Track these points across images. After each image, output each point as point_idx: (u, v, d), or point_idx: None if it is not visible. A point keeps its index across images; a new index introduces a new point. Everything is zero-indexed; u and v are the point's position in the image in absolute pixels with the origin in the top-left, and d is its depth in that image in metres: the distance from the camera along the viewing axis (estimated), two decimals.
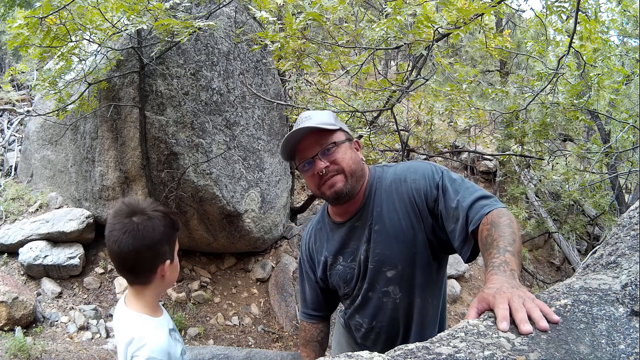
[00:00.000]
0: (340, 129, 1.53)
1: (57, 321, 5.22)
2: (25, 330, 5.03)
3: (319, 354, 1.83)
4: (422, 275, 1.53)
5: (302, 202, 6.02)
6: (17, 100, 9.06)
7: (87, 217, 5.80)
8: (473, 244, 1.34)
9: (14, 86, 9.92)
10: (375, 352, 0.80)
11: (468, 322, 0.86)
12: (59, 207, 6.21)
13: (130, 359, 1.36)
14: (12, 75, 7.77)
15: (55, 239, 5.67)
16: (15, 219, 6.16)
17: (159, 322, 1.47)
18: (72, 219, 5.69)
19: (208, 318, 5.23)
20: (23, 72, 8.15)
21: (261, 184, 5.61)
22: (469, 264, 7.74)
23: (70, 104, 4.96)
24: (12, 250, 5.75)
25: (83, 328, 5.11)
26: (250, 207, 5.41)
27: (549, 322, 0.82)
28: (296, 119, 5.72)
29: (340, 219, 1.63)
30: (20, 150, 7.51)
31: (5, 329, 4.95)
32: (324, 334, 1.86)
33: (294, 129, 1.50)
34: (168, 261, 1.45)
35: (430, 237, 1.48)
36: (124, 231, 1.37)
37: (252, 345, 4.80)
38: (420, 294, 1.55)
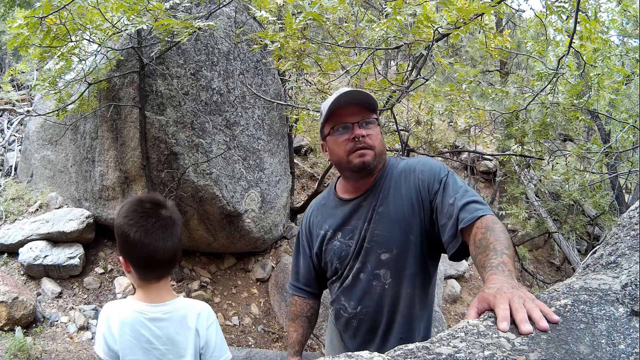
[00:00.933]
0: (376, 112, 1.60)
1: (57, 321, 5.22)
2: (25, 330, 5.03)
3: (307, 330, 1.85)
4: (414, 265, 1.55)
5: (302, 202, 6.03)
6: (17, 100, 9.06)
7: (87, 217, 5.80)
8: (461, 242, 1.37)
9: (14, 86, 9.92)
10: (375, 353, 0.80)
11: (468, 322, 0.86)
12: (59, 207, 6.22)
13: (207, 322, 1.50)
14: (12, 75, 7.77)
15: (55, 239, 5.67)
16: (15, 219, 6.16)
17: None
18: (72, 219, 5.69)
19: None
20: (23, 72, 8.15)
21: (261, 184, 5.61)
22: (470, 264, 7.74)
23: (70, 104, 4.96)
24: (12, 250, 5.75)
25: (83, 328, 5.11)
26: (250, 207, 5.41)
27: (549, 322, 0.81)
28: (296, 118, 5.77)
29: (347, 196, 1.67)
30: (20, 150, 7.51)
31: (5, 329, 4.96)
32: (314, 311, 1.88)
33: (335, 95, 1.55)
34: (179, 255, 1.53)
35: (428, 228, 1.52)
36: (165, 226, 1.39)
37: (252, 345, 4.81)
38: (410, 283, 1.56)
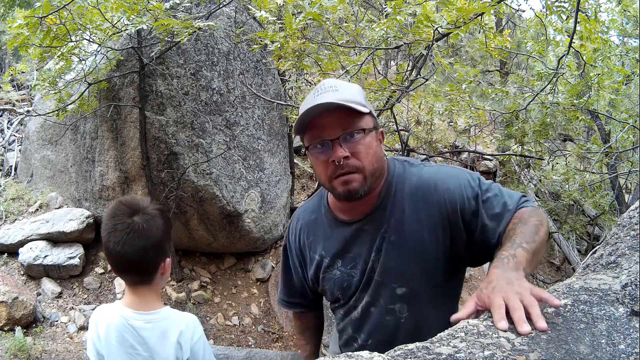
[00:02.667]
0: (370, 114, 1.26)
1: (57, 321, 5.23)
2: (25, 330, 5.03)
3: (318, 340, 1.72)
4: (439, 294, 1.33)
5: (302, 202, 6.01)
6: (17, 100, 9.06)
7: (87, 217, 5.80)
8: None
9: (14, 86, 9.92)
10: (375, 352, 0.80)
11: (468, 322, 0.86)
12: (59, 207, 6.22)
13: (191, 341, 1.46)
14: (12, 75, 7.77)
15: (55, 239, 5.68)
16: (15, 219, 6.16)
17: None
18: (72, 219, 5.69)
19: (208, 318, 5.23)
20: (23, 72, 8.15)
21: (261, 184, 5.61)
22: None
23: (70, 104, 4.96)
24: (12, 250, 5.76)
25: (83, 328, 5.12)
26: (250, 207, 5.41)
27: (551, 307, 0.83)
28: (295, 118, 5.73)
29: (345, 217, 1.37)
30: (20, 150, 7.51)
31: (5, 329, 4.97)
32: (320, 320, 1.73)
33: (313, 97, 1.23)
34: (168, 259, 1.47)
35: (460, 253, 1.28)
36: (128, 231, 1.35)
37: (252, 345, 4.81)
38: (432, 313, 1.34)
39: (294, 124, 1.27)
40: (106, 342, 1.44)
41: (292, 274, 1.58)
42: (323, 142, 1.22)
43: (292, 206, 6.01)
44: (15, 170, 7.36)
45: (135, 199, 1.45)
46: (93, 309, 5.29)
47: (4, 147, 7.77)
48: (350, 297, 1.41)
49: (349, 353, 0.81)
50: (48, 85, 4.82)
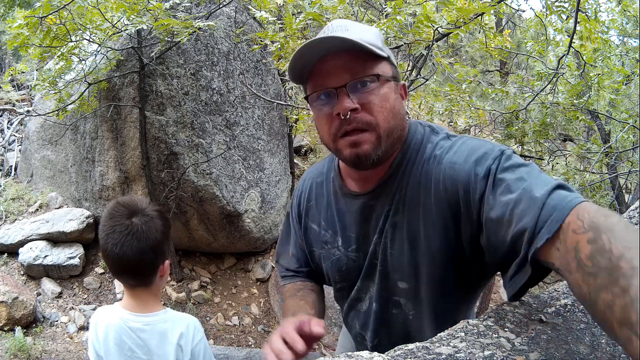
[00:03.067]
0: (388, 59, 1.00)
1: (57, 321, 5.23)
2: (25, 330, 5.03)
3: (319, 303, 1.28)
4: (446, 303, 1.06)
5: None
6: (17, 100, 9.06)
7: (87, 217, 5.80)
8: (531, 273, 0.78)
9: (14, 86, 9.92)
10: (375, 352, 0.80)
11: (468, 322, 0.87)
12: (59, 207, 6.22)
13: (192, 343, 1.44)
14: (12, 75, 7.77)
15: (55, 239, 5.68)
16: (15, 219, 6.16)
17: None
18: (72, 219, 5.69)
19: (208, 318, 5.24)
20: (23, 72, 8.16)
21: (261, 184, 5.61)
22: None
23: (70, 104, 4.97)
24: (12, 250, 5.76)
25: (83, 328, 5.12)
26: (250, 207, 5.42)
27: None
28: (296, 118, 5.78)
29: (355, 187, 1.12)
30: (20, 150, 7.51)
31: (5, 329, 4.96)
32: (320, 291, 1.34)
33: (319, 36, 0.97)
34: (167, 261, 1.45)
35: (472, 251, 0.96)
36: (127, 233, 1.33)
37: (252, 345, 4.81)
38: (442, 320, 1.07)
39: (288, 66, 1.01)
40: (105, 344, 1.43)
41: (292, 241, 1.35)
42: (327, 92, 0.97)
43: None
44: (15, 170, 7.36)
45: (133, 200, 1.43)
46: (93, 309, 5.30)
47: (4, 147, 7.77)
48: (352, 285, 1.19)
49: (349, 353, 0.81)
50: (48, 85, 4.82)
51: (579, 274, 0.65)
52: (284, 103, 5.71)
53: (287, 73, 1.04)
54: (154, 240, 1.36)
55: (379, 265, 1.10)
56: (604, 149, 5.03)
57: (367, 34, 0.98)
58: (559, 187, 0.79)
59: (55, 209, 6.17)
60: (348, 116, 0.95)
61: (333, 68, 0.96)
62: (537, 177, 0.83)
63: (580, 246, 0.66)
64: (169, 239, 1.45)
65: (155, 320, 1.44)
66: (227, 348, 4.59)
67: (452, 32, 3.15)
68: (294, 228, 1.33)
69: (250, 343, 4.88)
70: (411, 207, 1.02)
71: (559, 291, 0.95)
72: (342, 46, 0.95)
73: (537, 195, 0.78)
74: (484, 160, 0.91)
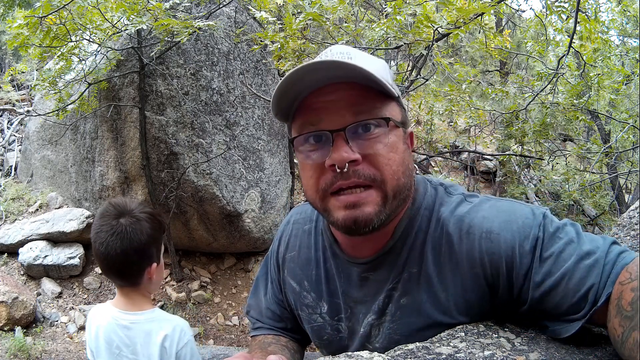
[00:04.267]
0: (398, 100, 0.81)
1: (57, 321, 5.23)
2: (25, 330, 5.04)
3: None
4: None
5: (303, 202, 6.03)
6: (17, 100, 9.07)
7: (87, 217, 5.80)
8: (580, 326, 0.71)
9: (14, 86, 9.93)
10: (375, 353, 0.79)
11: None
12: (59, 207, 6.22)
13: (177, 346, 1.41)
14: (12, 75, 7.78)
15: (55, 239, 5.68)
16: (15, 219, 6.17)
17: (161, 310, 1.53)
18: (72, 219, 5.70)
19: (208, 318, 5.24)
20: (23, 72, 8.16)
21: (261, 184, 5.62)
22: None
23: (70, 104, 4.97)
24: (12, 250, 5.77)
25: (83, 328, 5.12)
26: (250, 207, 5.42)
27: None
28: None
29: (348, 250, 0.91)
30: (20, 150, 7.52)
31: (5, 329, 4.97)
32: (297, 355, 1.09)
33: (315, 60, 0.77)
34: (155, 264, 1.43)
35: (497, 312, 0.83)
36: (112, 233, 1.34)
37: None
38: None
39: (273, 96, 0.79)
40: (96, 341, 1.44)
41: (269, 291, 1.11)
42: (319, 134, 0.76)
43: (292, 206, 6.04)
44: (15, 170, 7.37)
45: (124, 201, 1.43)
46: None
47: (4, 147, 7.77)
48: (333, 353, 0.96)
49: (349, 353, 0.79)
50: (48, 85, 4.83)
51: (617, 318, 0.63)
52: None
53: (272, 107, 0.81)
54: (138, 242, 1.36)
55: (372, 346, 0.90)
56: (604, 149, 5.03)
57: (374, 65, 0.76)
58: (613, 243, 0.74)
59: (55, 209, 6.17)
60: (346, 169, 0.74)
61: (330, 104, 0.76)
62: (585, 238, 0.75)
63: (623, 294, 0.64)
64: (157, 242, 1.43)
65: (140, 319, 1.44)
66: (227, 348, 4.61)
67: (452, 32, 3.15)
68: (271, 277, 1.10)
69: (249, 344, 4.90)
70: (431, 288, 0.82)
71: None
72: (345, 76, 0.74)
73: (594, 257, 0.71)
74: (526, 228, 0.76)
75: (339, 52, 0.79)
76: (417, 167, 8.72)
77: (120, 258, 1.35)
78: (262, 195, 5.60)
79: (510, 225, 0.77)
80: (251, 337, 1.14)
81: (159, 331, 1.41)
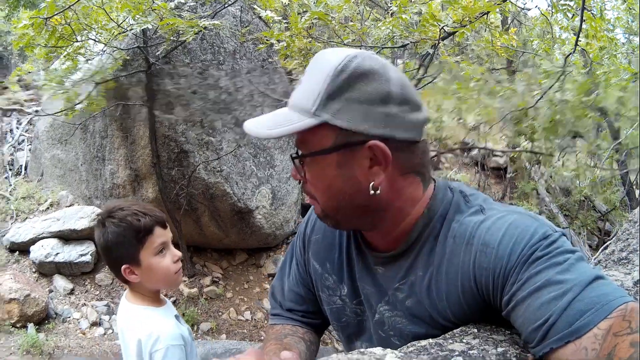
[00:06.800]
0: (327, 123, 0.78)
1: (69, 317, 5.29)
2: (37, 326, 5.10)
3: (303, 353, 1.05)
4: None
5: None
6: (25, 101, 9.14)
7: (98, 215, 5.81)
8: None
9: (21, 86, 10.00)
10: (389, 349, 0.81)
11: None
12: (70, 205, 6.28)
13: (150, 356, 1.38)
14: (19, 75, 7.83)
15: (67, 237, 5.73)
16: (26, 218, 6.24)
17: (164, 311, 1.52)
18: (83, 216, 5.75)
19: (220, 313, 5.27)
20: (30, 72, 8.19)
21: (272, 181, 5.65)
22: None
23: (78, 104, 5.01)
24: (23, 249, 5.83)
25: (95, 324, 5.19)
26: (261, 204, 5.46)
27: None
28: None
29: (369, 239, 0.95)
30: (30, 150, 7.59)
31: (18, 325, 5.03)
32: (312, 346, 1.10)
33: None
34: (125, 265, 1.42)
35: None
36: (95, 232, 1.46)
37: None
38: None
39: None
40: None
41: (292, 272, 1.15)
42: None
43: (303, 202, 6.08)
44: (26, 169, 7.44)
45: (116, 203, 1.50)
46: (105, 305, 5.35)
47: (14, 147, 7.85)
48: (351, 340, 1.04)
49: (362, 350, 0.80)
50: (55, 85, 4.86)
51: None
52: None
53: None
54: (104, 242, 1.43)
55: (385, 333, 0.94)
56: (614, 146, 5.00)
57: (313, 87, 0.79)
58: (598, 278, 0.68)
59: (66, 207, 6.24)
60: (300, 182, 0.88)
61: None
62: (575, 268, 0.70)
63: (617, 349, 0.60)
64: (126, 245, 1.42)
65: (129, 315, 1.49)
66: (239, 343, 4.65)
67: (458, 31, 3.15)
68: (297, 258, 1.14)
69: (262, 338, 4.92)
70: (433, 294, 0.85)
71: None
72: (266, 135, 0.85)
73: (563, 287, 0.67)
74: (518, 245, 0.75)
75: (301, 79, 0.85)
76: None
77: (100, 254, 1.48)
78: (273, 191, 5.64)
79: (507, 240, 0.76)
80: (269, 325, 1.16)
81: (133, 333, 1.43)
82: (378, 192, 0.81)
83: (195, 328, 4.94)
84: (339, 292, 1.01)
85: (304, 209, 6.11)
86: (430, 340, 0.82)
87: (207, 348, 4.37)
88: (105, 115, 5.56)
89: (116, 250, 1.42)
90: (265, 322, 5.15)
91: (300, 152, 0.84)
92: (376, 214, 0.85)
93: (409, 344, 0.82)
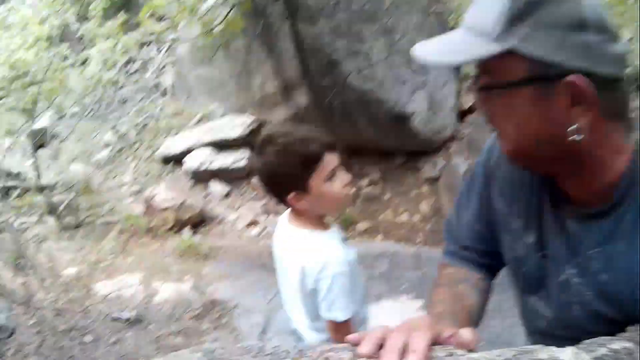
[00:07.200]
0: (514, 51, 0.68)
1: (225, 219, 5.49)
2: (193, 230, 5.27)
3: (472, 314, 0.94)
4: None
5: (471, 104, 5.86)
6: (161, 31, 9.54)
7: (251, 123, 5.89)
8: None
9: (155, 20, 10.48)
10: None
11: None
12: (222, 116, 6.43)
13: (316, 283, 1.35)
14: (150, 11, 8.15)
15: (221, 145, 5.89)
16: (178, 132, 6.55)
17: (331, 235, 1.45)
18: (235, 125, 5.91)
19: (377, 214, 5.31)
20: (159, 6, 8.50)
21: (428, 86, 5.50)
22: None
23: (215, 27, 5.07)
24: (178, 159, 6.07)
25: (252, 223, 5.33)
26: (418, 110, 5.37)
27: None
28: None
29: (566, 188, 0.81)
30: (174, 73, 7.85)
31: (174, 229, 5.21)
32: (483, 295, 1.01)
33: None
34: (293, 194, 1.36)
35: None
36: (257, 160, 1.47)
37: (421, 243, 4.82)
38: None
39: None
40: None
41: (471, 206, 1.03)
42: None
43: (459, 109, 5.88)
44: (172, 90, 7.71)
45: (282, 129, 1.51)
46: (263, 205, 5.52)
47: (156, 73, 8.23)
48: (525, 293, 0.93)
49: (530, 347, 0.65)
50: (188, 14, 4.94)
51: None
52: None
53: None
54: (264, 171, 1.43)
55: (566, 299, 0.82)
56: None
57: (486, 7, 0.72)
58: None
59: (217, 118, 6.42)
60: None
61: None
62: None
63: None
64: (290, 175, 1.36)
65: (292, 239, 1.45)
66: (395, 244, 4.66)
67: None
68: (477, 191, 1.01)
69: (418, 240, 4.90)
70: (632, 274, 0.72)
71: None
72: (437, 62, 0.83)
73: None
74: None
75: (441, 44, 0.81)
76: None
77: (260, 178, 1.49)
78: (429, 97, 5.51)
79: None
80: (442, 263, 1.08)
81: (301, 259, 1.39)
82: (580, 137, 0.68)
83: (351, 228, 5.01)
84: (522, 239, 0.88)
85: (462, 114, 5.92)
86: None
87: (364, 247, 4.39)
88: (246, 34, 5.65)
89: (282, 178, 1.37)
90: (422, 224, 5.09)
91: (483, 83, 0.74)
92: (575, 161, 0.73)
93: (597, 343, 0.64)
